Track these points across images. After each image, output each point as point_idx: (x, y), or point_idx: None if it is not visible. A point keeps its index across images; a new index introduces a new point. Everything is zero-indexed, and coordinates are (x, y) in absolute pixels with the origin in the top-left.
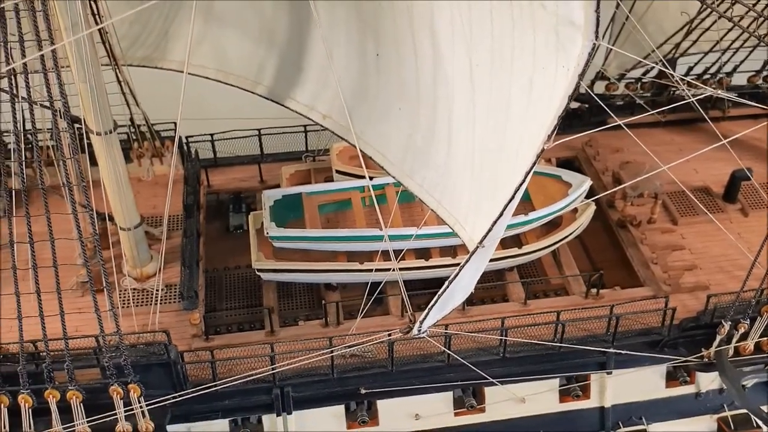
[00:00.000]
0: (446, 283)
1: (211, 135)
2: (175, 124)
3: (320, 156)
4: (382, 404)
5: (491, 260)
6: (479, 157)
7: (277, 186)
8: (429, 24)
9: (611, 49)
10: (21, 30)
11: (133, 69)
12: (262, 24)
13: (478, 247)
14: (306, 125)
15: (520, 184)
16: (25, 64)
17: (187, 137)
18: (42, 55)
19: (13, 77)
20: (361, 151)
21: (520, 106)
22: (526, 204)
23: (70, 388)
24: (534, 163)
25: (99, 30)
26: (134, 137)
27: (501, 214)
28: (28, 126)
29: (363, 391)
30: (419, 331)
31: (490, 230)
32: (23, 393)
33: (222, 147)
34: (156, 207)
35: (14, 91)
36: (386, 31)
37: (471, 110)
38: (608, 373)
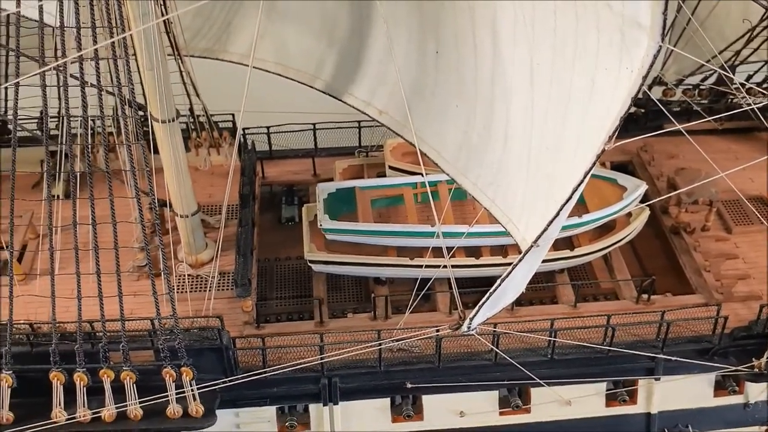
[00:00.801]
0: (498, 281)
1: (268, 128)
2: (233, 115)
3: (373, 152)
4: (427, 399)
5: (542, 261)
6: (535, 156)
7: (330, 180)
8: (491, 23)
9: (670, 54)
10: (93, 17)
11: (193, 60)
12: (324, 19)
13: (532, 246)
14: (360, 121)
15: (579, 184)
16: (96, 51)
17: (244, 129)
18: (112, 43)
19: (82, 63)
20: (415, 147)
21: (580, 107)
22: (580, 206)
23: (124, 368)
24: (594, 164)
25: (164, 21)
26: (193, 127)
27: (557, 214)
28: (91, 112)
29: (409, 386)
30: (468, 328)
31: (545, 230)
32: (79, 371)
33: (277, 140)
34: (212, 196)
35: (81, 78)
36: (447, 29)
37: (529, 109)
38: (656, 379)
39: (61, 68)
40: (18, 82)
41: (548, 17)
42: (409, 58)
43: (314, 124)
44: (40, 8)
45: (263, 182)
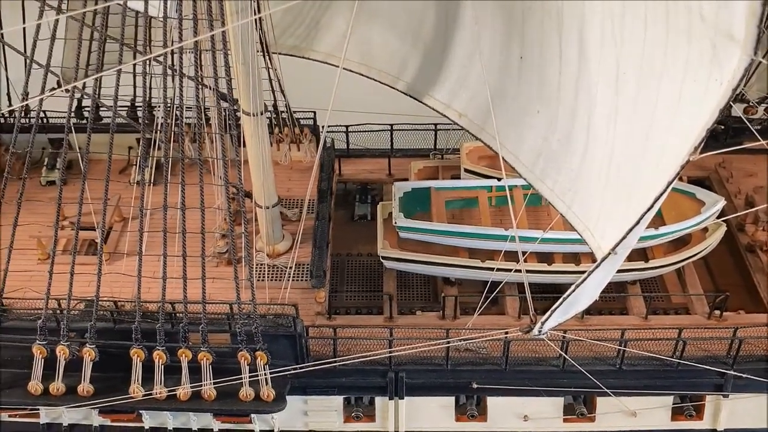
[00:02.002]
0: (573, 286)
1: (346, 127)
2: (315, 113)
3: (447, 155)
4: (491, 401)
5: (616, 271)
6: (616, 164)
7: (405, 180)
8: (578, 29)
9: (754, 71)
10: (195, 11)
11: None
12: (410, 20)
13: (610, 253)
14: (436, 124)
15: (661, 194)
16: (196, 43)
17: (322, 127)
18: (212, 36)
19: (179, 55)
20: (494, 151)
21: (665, 116)
22: (657, 218)
23: (202, 349)
24: (677, 174)
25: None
26: (275, 123)
27: (637, 222)
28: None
29: (475, 386)
30: (539, 331)
31: (624, 237)
32: (159, 349)
33: (353, 138)
34: (290, 190)
35: (180, 69)
36: (532, 33)
37: (612, 117)
38: (725, 396)
39: (161, 59)
40: (120, 70)
41: (638, 27)
42: (493, 61)
43: (391, 125)
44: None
45: (339, 179)
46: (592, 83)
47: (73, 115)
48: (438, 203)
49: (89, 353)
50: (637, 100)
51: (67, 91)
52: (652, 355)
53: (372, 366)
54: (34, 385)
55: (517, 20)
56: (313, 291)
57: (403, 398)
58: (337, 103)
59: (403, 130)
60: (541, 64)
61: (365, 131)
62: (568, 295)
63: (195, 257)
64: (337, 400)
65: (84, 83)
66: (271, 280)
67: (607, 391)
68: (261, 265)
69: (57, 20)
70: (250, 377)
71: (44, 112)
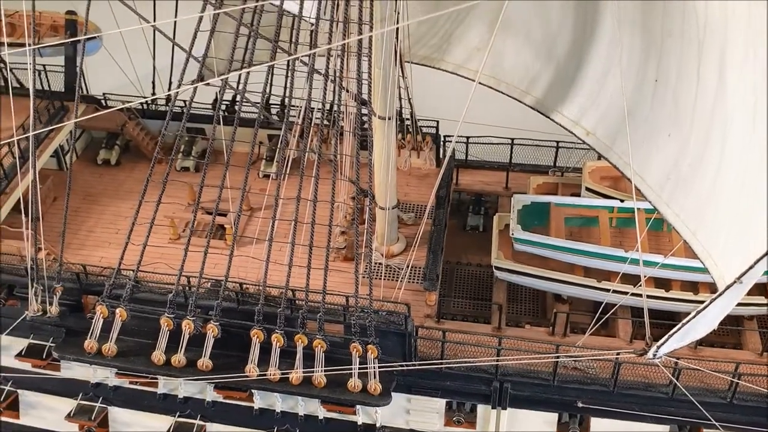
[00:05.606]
0: (694, 312)
1: (467, 138)
2: (437, 123)
3: (568, 173)
4: (595, 422)
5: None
6: (749, 193)
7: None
8: (719, 54)
9: None
10: (347, 16)
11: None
12: (545, 36)
13: (735, 281)
14: (558, 141)
15: None
16: (345, 46)
17: (445, 136)
18: (359, 40)
19: (326, 57)
20: (620, 171)
21: None
22: None
23: (317, 336)
24: None
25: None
26: (399, 129)
27: (767, 253)
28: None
29: (580, 405)
30: (654, 355)
31: (752, 267)
32: (278, 333)
33: (471, 149)
34: (407, 195)
35: (326, 70)
36: (670, 58)
37: (747, 145)
38: None
39: (306, 59)
40: (272, 66)
41: None
42: (626, 81)
43: (512, 139)
44: (301, 4)
45: (455, 189)
46: (728, 109)
47: (210, 106)
48: (557, 219)
49: (212, 329)
50: None
51: (219, 83)
52: (766, 391)
53: (477, 373)
54: (158, 355)
55: (656, 43)
56: (424, 293)
57: (506, 408)
58: (458, 114)
59: (524, 144)
60: (677, 87)
61: (486, 143)
62: (688, 321)
63: (319, 248)
64: (440, 403)
65: (227, 78)
66: (385, 279)
67: (716, 423)
68: (376, 263)
69: (217, 15)
70: (359, 369)
71: (184, 101)
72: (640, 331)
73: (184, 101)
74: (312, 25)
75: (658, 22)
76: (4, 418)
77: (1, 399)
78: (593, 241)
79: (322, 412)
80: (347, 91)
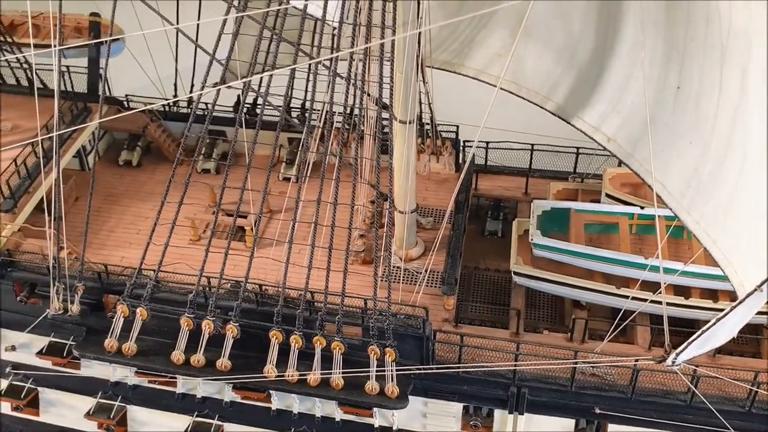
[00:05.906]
0: (714, 319)
1: (487, 143)
2: (457, 127)
3: (588, 179)
4: (613, 428)
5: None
6: None
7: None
8: (742, 61)
9: None
10: (370, 21)
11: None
12: (567, 42)
13: (756, 289)
14: (579, 148)
15: None
16: (366, 50)
17: (464, 141)
18: (382, 44)
19: (348, 60)
20: (641, 177)
21: None
22: None
23: (336, 339)
24: None
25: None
26: (418, 134)
27: None
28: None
29: (597, 411)
30: (673, 362)
31: None
32: (296, 334)
33: (491, 155)
34: (425, 199)
35: (348, 74)
36: (693, 64)
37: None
38: None
39: (327, 63)
40: (294, 69)
41: None
42: (648, 87)
43: (532, 145)
44: (325, 7)
45: (474, 194)
46: (749, 117)
47: (231, 109)
48: (577, 225)
49: (232, 330)
50: None
51: (241, 86)
52: None
53: (495, 378)
54: (177, 354)
55: (679, 48)
56: (442, 298)
57: (523, 414)
58: (478, 118)
59: (544, 150)
60: (699, 94)
61: (506, 149)
62: (708, 328)
63: (339, 250)
64: (457, 407)
65: (250, 80)
66: (403, 282)
67: (733, 431)
68: (395, 267)
69: (241, 18)
70: (377, 372)
71: (205, 104)
72: (659, 339)
73: (206, 104)
74: (334, 29)
75: (681, 26)
76: (24, 415)
77: (22, 396)
78: (613, 247)
79: (339, 414)
80: (368, 95)
